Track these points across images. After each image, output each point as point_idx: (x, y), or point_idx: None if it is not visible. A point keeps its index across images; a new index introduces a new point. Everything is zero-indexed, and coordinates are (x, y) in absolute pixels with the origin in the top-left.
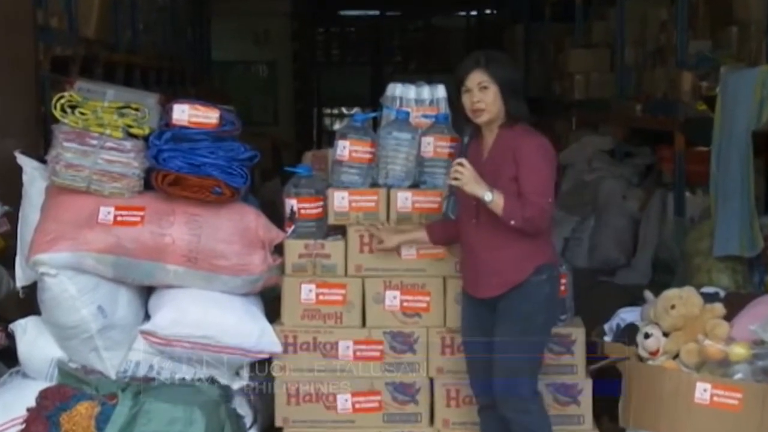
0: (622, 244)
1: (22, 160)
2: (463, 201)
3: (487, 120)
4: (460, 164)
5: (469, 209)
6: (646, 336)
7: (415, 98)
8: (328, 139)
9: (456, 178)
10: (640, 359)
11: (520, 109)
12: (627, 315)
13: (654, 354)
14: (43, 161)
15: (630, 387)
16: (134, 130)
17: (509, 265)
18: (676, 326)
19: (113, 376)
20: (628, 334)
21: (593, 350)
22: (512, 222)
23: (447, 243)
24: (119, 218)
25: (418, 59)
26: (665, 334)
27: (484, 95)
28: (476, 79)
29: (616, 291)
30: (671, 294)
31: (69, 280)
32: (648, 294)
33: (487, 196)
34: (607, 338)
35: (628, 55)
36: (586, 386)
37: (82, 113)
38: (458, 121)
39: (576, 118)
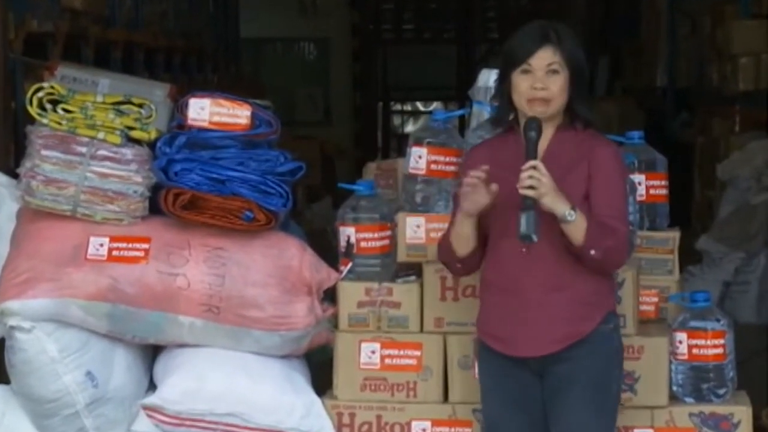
0: None
1: None
2: (502, 220)
3: (550, 115)
4: (534, 167)
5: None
6: None
7: None
8: (399, 145)
9: (532, 186)
10: None
11: (589, 108)
12: None
13: None
14: (14, 175)
15: None
16: (136, 134)
17: (574, 311)
18: None
19: None
20: None
21: None
22: (592, 252)
23: (462, 269)
24: (115, 253)
25: None
26: None
27: (551, 81)
28: (546, 59)
29: None
30: None
31: (48, 337)
32: None
33: (570, 214)
34: None
35: None
36: None
37: (66, 111)
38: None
39: (740, 117)
